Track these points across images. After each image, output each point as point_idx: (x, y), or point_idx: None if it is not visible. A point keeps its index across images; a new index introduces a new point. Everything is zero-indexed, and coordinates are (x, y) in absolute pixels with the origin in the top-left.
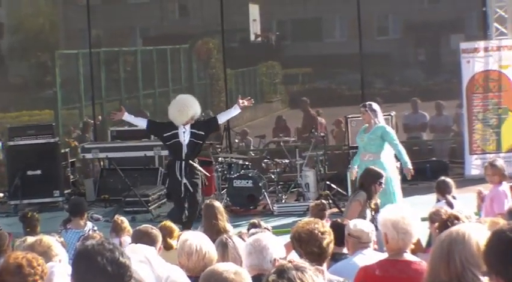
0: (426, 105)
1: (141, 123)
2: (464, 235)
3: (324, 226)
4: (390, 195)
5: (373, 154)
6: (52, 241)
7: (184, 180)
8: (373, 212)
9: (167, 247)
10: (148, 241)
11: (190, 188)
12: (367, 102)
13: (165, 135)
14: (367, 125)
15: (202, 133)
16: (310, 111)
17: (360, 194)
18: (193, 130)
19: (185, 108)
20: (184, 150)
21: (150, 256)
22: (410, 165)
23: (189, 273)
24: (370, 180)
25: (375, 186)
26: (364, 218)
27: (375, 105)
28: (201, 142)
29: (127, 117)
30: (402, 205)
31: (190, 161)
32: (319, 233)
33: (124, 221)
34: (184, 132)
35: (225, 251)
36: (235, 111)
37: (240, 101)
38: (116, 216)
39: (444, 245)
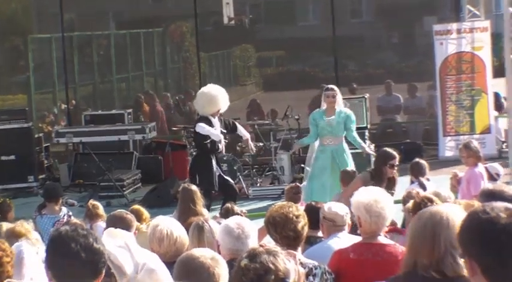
0: (400, 88)
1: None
2: (448, 219)
3: (298, 209)
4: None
5: (338, 138)
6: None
7: (218, 172)
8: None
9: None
10: (124, 226)
11: (226, 177)
12: (333, 86)
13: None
14: (324, 108)
15: (225, 131)
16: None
17: (363, 173)
18: (222, 129)
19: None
20: (219, 146)
21: (129, 242)
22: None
23: (161, 259)
24: (380, 161)
25: (385, 169)
26: None
27: (329, 90)
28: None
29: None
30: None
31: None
32: (294, 217)
33: (98, 206)
34: (215, 126)
35: (201, 235)
36: (244, 134)
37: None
38: (90, 202)
39: (428, 227)
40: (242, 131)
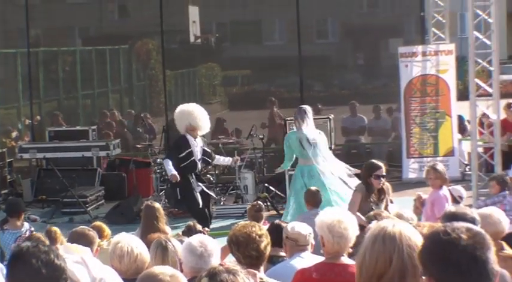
0: (365, 109)
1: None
2: (401, 234)
3: (260, 229)
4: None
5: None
6: None
7: (199, 188)
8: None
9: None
10: (85, 243)
11: (206, 190)
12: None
13: (179, 156)
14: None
15: (209, 160)
16: (275, 112)
17: (359, 186)
18: (205, 148)
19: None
20: (199, 165)
21: (86, 257)
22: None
23: (122, 276)
24: (365, 173)
25: (371, 180)
26: (368, 210)
27: (305, 110)
28: (209, 160)
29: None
30: (340, 208)
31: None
32: (257, 236)
33: (57, 231)
34: (196, 146)
35: (165, 254)
36: (227, 161)
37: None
38: (49, 226)
39: (378, 242)
40: (222, 160)
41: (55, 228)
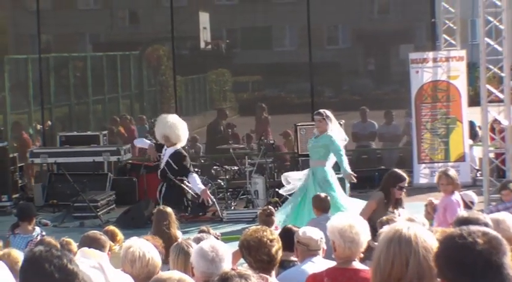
0: (375, 114)
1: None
2: (416, 236)
3: (272, 233)
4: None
5: (313, 161)
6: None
7: (160, 201)
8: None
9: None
10: (97, 247)
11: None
12: (322, 110)
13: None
14: (317, 132)
15: (176, 168)
16: (264, 117)
17: (376, 194)
18: (170, 159)
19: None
20: (158, 172)
21: (103, 262)
22: (350, 171)
23: (133, 281)
24: (389, 183)
25: (393, 190)
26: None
27: (329, 113)
28: (172, 174)
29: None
30: (352, 213)
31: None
32: (268, 241)
33: (70, 242)
34: (164, 154)
35: (187, 259)
36: (200, 188)
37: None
38: (62, 238)
39: (393, 244)
40: (194, 183)
41: (69, 240)
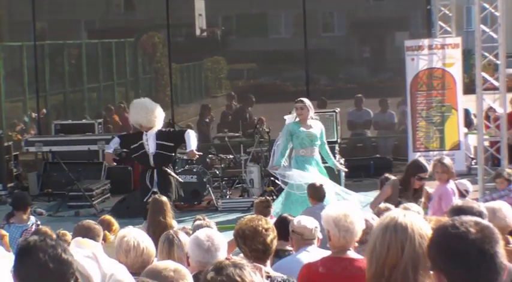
0: (371, 102)
1: (115, 144)
2: (412, 224)
3: (267, 222)
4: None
5: (306, 150)
6: None
7: (155, 189)
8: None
9: (104, 239)
10: (91, 236)
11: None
12: (302, 98)
13: (132, 147)
14: (297, 119)
15: (171, 144)
16: (234, 106)
17: (392, 180)
18: (159, 141)
19: (153, 110)
20: (151, 160)
21: (97, 252)
22: (339, 165)
23: (128, 270)
24: (410, 171)
25: (413, 180)
26: (397, 204)
27: (309, 101)
28: (170, 154)
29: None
30: (347, 202)
31: (165, 168)
32: (263, 230)
33: (65, 233)
34: (147, 139)
35: (171, 248)
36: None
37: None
38: (58, 230)
39: (389, 232)
40: (188, 140)
41: (64, 232)
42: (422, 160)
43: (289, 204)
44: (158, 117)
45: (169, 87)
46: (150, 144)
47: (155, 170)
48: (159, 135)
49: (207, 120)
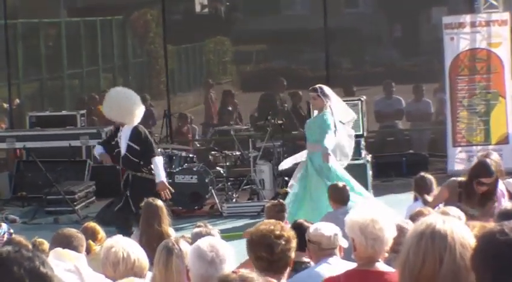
0: (402, 89)
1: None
2: (448, 230)
3: (283, 230)
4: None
5: (310, 144)
6: None
7: (128, 193)
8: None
9: (88, 250)
10: (73, 247)
11: (130, 201)
12: (318, 85)
13: (112, 143)
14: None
15: (138, 148)
16: (211, 96)
17: (451, 181)
18: (130, 142)
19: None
20: (120, 161)
21: (80, 265)
22: (329, 150)
23: None
24: (472, 173)
25: (474, 184)
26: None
27: (327, 89)
28: (137, 160)
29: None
30: (374, 205)
31: (140, 174)
32: (273, 237)
33: (43, 242)
34: (120, 137)
35: (169, 259)
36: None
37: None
38: (34, 238)
39: (424, 240)
40: (156, 169)
41: (41, 240)
42: (488, 162)
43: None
44: (134, 114)
45: (165, 73)
46: (122, 143)
47: (130, 174)
48: (132, 135)
49: (230, 108)
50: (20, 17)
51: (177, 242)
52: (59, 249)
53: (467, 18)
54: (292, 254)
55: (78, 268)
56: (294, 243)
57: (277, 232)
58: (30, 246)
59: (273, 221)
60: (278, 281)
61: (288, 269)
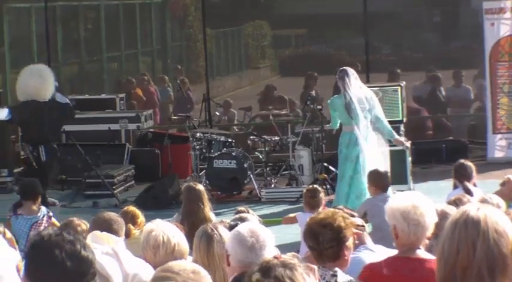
0: (442, 75)
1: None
2: (486, 219)
3: (336, 220)
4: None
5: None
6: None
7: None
8: None
9: (127, 234)
10: (112, 231)
11: None
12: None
13: None
14: None
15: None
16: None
17: None
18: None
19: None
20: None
21: (118, 248)
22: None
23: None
24: None
25: None
26: None
27: (349, 70)
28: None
29: None
30: (413, 192)
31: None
32: (320, 227)
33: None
34: None
35: (209, 245)
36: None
37: None
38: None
39: (458, 229)
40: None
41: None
42: None
43: None
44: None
45: (204, 57)
46: None
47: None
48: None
49: (313, 93)
50: (60, 0)
51: (216, 227)
52: (96, 232)
53: (507, 3)
54: (347, 244)
55: (116, 251)
56: (347, 233)
57: (326, 221)
58: (82, 226)
59: (331, 210)
60: (330, 269)
61: (345, 259)
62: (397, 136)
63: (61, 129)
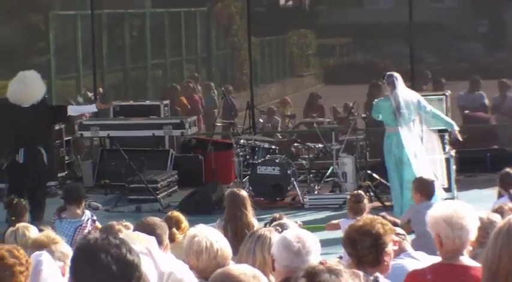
0: (487, 84)
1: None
2: None
3: (375, 227)
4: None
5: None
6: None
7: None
8: None
9: (171, 239)
10: (155, 236)
11: None
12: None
13: None
14: None
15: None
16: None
17: None
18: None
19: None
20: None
21: (152, 247)
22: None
23: (199, 275)
24: None
25: None
26: None
27: (395, 76)
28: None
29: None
30: (452, 200)
31: None
32: (358, 235)
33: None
34: None
35: (256, 250)
36: (91, 108)
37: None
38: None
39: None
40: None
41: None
42: None
43: None
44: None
45: (248, 65)
46: None
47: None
48: None
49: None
50: (106, 8)
51: (261, 232)
52: (130, 232)
53: None
54: (387, 250)
55: (150, 250)
56: (386, 239)
57: (364, 228)
58: (121, 230)
59: (370, 217)
60: (371, 275)
61: (385, 264)
62: (456, 127)
63: (47, 133)
